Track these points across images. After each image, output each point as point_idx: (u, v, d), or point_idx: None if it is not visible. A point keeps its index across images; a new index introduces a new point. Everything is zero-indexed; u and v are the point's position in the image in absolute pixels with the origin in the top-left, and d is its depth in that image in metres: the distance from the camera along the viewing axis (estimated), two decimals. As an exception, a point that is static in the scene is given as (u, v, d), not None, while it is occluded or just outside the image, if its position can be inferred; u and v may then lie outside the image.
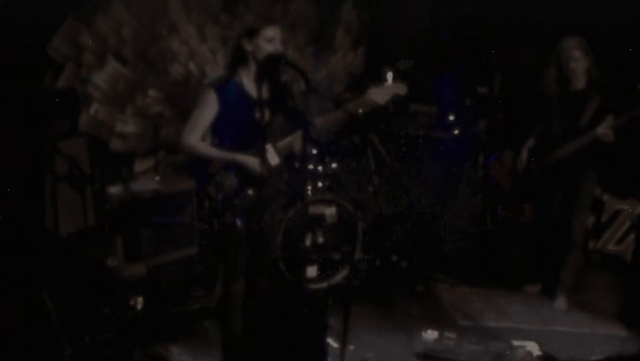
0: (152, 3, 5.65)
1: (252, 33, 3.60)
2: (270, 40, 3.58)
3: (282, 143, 3.69)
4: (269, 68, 3.63)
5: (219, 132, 3.64)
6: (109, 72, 5.56)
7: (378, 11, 6.57)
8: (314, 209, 5.62)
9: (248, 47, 3.60)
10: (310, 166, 5.72)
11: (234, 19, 5.83)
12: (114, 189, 5.06)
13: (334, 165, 7.27)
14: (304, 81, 3.55)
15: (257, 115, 3.62)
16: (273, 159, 3.65)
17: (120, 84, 5.62)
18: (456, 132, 7.37)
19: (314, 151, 5.77)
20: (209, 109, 3.59)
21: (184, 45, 5.74)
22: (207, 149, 3.65)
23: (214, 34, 5.84)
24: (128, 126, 5.68)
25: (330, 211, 5.72)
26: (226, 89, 3.60)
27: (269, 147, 3.64)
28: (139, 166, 5.86)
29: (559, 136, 4.94)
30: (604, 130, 4.68)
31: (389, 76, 3.70)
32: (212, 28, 5.83)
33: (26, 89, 5.22)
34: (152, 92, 5.69)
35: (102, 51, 5.56)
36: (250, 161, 3.58)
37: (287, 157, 3.72)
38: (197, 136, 3.62)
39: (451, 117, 7.37)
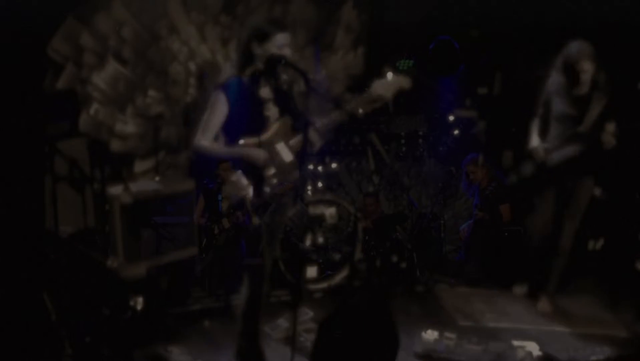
0: (152, 3, 5.66)
1: (263, 38, 3.62)
2: (280, 47, 3.62)
3: (294, 141, 3.72)
4: (270, 68, 3.65)
5: (230, 132, 3.67)
6: (109, 72, 5.56)
7: (378, 11, 6.57)
8: (314, 209, 5.62)
9: (257, 50, 3.63)
10: (310, 166, 5.72)
11: (234, 20, 5.84)
12: (114, 190, 5.06)
13: (334, 165, 7.29)
14: (304, 81, 3.56)
15: (267, 114, 3.67)
16: (287, 156, 3.67)
17: (120, 84, 5.62)
18: (456, 132, 7.37)
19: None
20: (219, 110, 3.64)
21: (184, 45, 5.74)
22: (216, 148, 3.70)
23: (214, 34, 5.84)
24: (128, 126, 5.69)
25: (330, 211, 5.71)
26: (235, 90, 3.64)
27: (282, 145, 3.66)
28: (139, 166, 5.86)
29: (560, 140, 4.84)
30: (607, 136, 4.58)
31: (389, 75, 3.70)
32: (212, 28, 5.84)
33: (26, 89, 5.22)
34: (152, 92, 5.70)
35: (102, 51, 5.57)
36: (255, 152, 3.61)
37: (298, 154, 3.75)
38: (208, 137, 3.66)
39: (451, 117, 7.38)
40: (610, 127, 4.63)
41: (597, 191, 5.74)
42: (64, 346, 4.06)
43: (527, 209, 5.27)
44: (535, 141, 4.99)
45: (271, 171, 3.66)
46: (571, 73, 4.69)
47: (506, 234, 5.91)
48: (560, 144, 4.83)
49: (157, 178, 5.48)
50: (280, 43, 3.62)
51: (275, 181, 3.67)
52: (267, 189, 3.66)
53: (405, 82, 3.72)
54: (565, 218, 4.93)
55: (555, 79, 4.84)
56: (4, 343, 4.02)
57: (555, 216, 4.98)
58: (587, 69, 4.63)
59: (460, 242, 6.74)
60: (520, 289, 5.33)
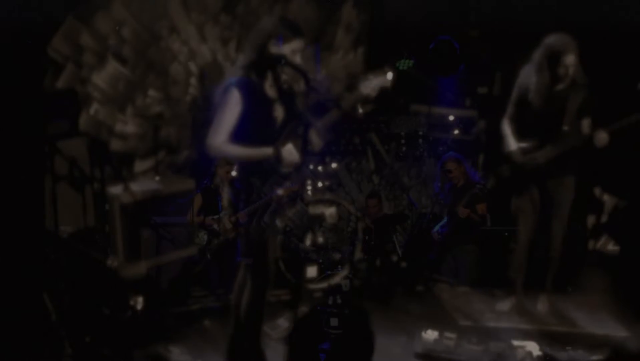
0: (152, 3, 5.66)
1: (283, 40, 3.62)
2: (295, 52, 3.62)
3: (299, 142, 3.71)
4: (270, 68, 3.65)
5: (239, 132, 3.64)
6: (109, 72, 5.57)
7: (378, 11, 6.58)
8: (314, 209, 5.63)
9: (273, 50, 3.61)
10: (310, 166, 5.73)
11: (234, 20, 5.84)
12: (114, 189, 5.07)
13: (334, 165, 7.30)
14: (304, 81, 3.56)
15: (276, 114, 3.66)
16: (295, 157, 3.66)
17: (120, 84, 5.62)
18: (456, 132, 7.38)
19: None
20: (234, 109, 3.59)
21: (184, 45, 5.75)
22: (236, 149, 3.64)
23: (214, 34, 5.84)
24: (128, 126, 5.69)
25: (330, 211, 5.72)
26: (247, 89, 3.62)
27: (290, 146, 3.65)
28: (139, 166, 5.86)
29: (540, 138, 4.65)
30: (600, 134, 4.43)
31: (389, 75, 3.70)
32: (212, 28, 5.84)
33: (26, 89, 5.23)
34: (152, 92, 5.70)
35: (102, 51, 5.57)
36: (267, 152, 3.59)
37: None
38: (223, 137, 3.60)
39: (451, 117, 7.39)
40: (587, 122, 4.52)
41: (598, 191, 5.73)
42: (64, 346, 4.06)
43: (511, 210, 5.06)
44: (512, 143, 4.79)
45: (283, 172, 3.66)
46: (553, 67, 4.51)
47: (506, 234, 5.90)
48: (541, 143, 4.65)
49: (157, 178, 5.48)
50: (297, 48, 3.64)
51: (289, 185, 3.67)
52: (278, 191, 3.65)
53: (386, 81, 3.73)
54: (552, 219, 4.78)
55: (530, 75, 4.63)
56: (4, 343, 4.02)
57: (541, 218, 4.83)
58: (571, 62, 4.48)
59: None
60: (503, 306, 5.10)
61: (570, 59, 4.48)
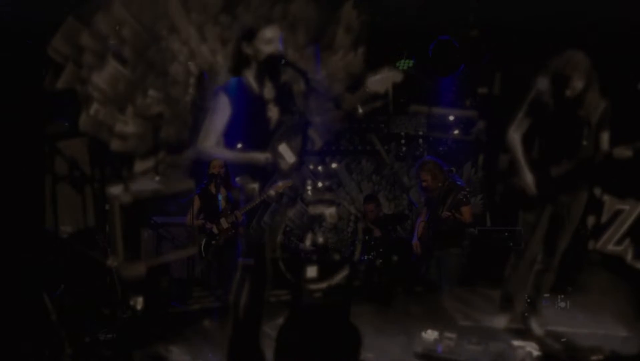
0: (152, 3, 5.66)
1: (250, 36, 3.61)
2: (268, 41, 3.59)
3: (295, 141, 3.70)
4: (270, 68, 3.64)
5: (231, 134, 3.65)
6: (109, 72, 5.56)
7: (378, 11, 6.58)
8: (314, 209, 5.63)
9: (248, 50, 3.62)
10: (310, 166, 5.73)
11: (233, 20, 5.84)
12: (114, 189, 5.07)
13: (334, 165, 7.30)
14: (303, 80, 3.56)
15: (269, 115, 3.65)
16: (289, 157, 3.65)
17: (120, 84, 5.62)
18: (456, 132, 7.38)
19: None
20: (222, 113, 3.60)
21: (184, 45, 5.75)
22: (228, 153, 3.68)
23: (214, 35, 5.84)
24: (128, 126, 5.69)
25: (330, 211, 5.72)
26: (236, 92, 3.62)
27: (285, 146, 3.65)
28: (139, 166, 5.86)
29: (556, 150, 4.50)
30: (624, 151, 4.26)
31: (382, 72, 3.71)
32: (212, 29, 5.84)
33: (26, 88, 5.23)
34: (152, 92, 5.70)
35: (102, 51, 5.57)
36: (259, 157, 3.60)
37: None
38: (212, 141, 3.62)
39: (451, 117, 7.39)
40: (605, 136, 4.41)
41: (598, 192, 5.70)
42: (64, 346, 4.07)
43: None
44: (528, 175, 4.50)
45: (275, 173, 3.66)
46: (561, 85, 4.39)
47: (506, 234, 5.88)
48: (556, 156, 4.50)
49: (157, 178, 5.48)
50: (268, 37, 3.58)
51: (280, 183, 3.66)
52: (272, 192, 3.66)
53: (397, 76, 3.72)
54: (558, 235, 4.58)
55: (545, 86, 4.52)
56: (4, 343, 4.02)
57: (547, 233, 4.61)
58: (577, 86, 4.36)
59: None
60: (500, 321, 4.84)
61: (577, 85, 4.35)
